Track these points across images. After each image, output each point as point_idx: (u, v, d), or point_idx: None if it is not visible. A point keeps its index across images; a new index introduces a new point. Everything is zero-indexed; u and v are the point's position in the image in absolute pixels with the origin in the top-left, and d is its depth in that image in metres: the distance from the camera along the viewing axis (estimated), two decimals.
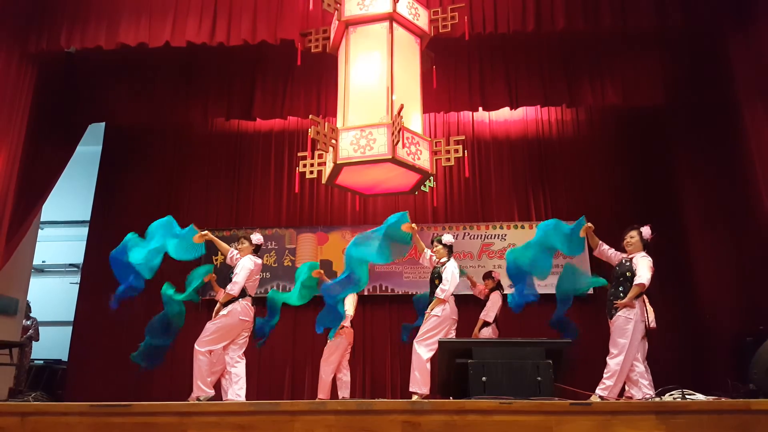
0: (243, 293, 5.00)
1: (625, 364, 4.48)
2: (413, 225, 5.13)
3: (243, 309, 4.97)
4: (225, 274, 7.84)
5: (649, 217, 7.64)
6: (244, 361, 5.04)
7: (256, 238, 5.38)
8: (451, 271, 5.21)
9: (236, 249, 5.31)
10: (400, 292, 7.63)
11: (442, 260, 5.39)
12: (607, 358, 4.55)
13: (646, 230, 4.87)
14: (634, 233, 4.87)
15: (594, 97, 7.00)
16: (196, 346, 4.86)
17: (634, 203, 7.84)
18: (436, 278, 5.30)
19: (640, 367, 4.61)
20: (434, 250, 5.47)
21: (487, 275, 6.59)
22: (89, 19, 6.06)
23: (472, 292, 6.67)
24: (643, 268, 4.60)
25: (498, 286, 6.49)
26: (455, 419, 2.82)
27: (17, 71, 6.07)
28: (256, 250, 5.33)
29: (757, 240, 6.04)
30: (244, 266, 5.03)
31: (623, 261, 4.83)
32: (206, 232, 5.25)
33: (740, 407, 2.91)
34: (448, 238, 5.46)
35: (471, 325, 6.30)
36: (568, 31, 6.12)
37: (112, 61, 7.04)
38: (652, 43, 6.86)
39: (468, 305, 6.57)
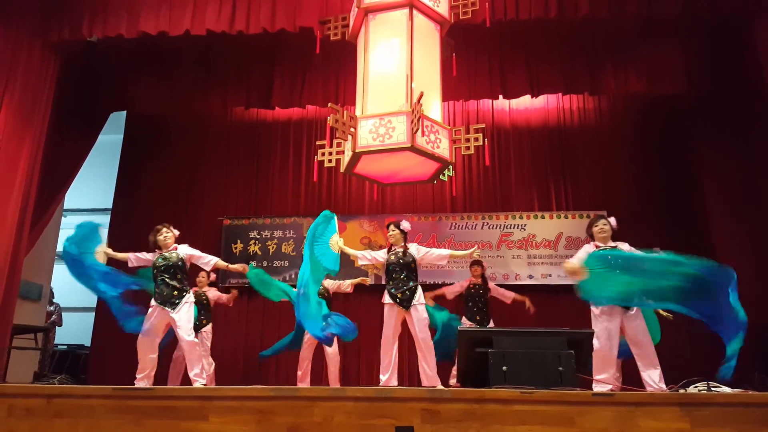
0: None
1: None
2: (339, 242, 5.08)
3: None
4: (244, 262, 7.92)
5: (671, 207, 7.60)
6: None
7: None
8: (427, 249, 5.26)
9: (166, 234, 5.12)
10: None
11: (401, 245, 5.20)
12: (649, 346, 4.38)
13: (613, 220, 4.70)
14: (606, 221, 4.62)
15: (617, 84, 6.89)
16: (191, 339, 4.84)
17: (656, 193, 7.73)
18: (411, 262, 5.11)
19: None
20: (389, 234, 5.28)
21: (477, 262, 6.41)
22: (110, 8, 6.09)
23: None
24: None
25: (483, 278, 6.36)
26: (475, 408, 2.81)
27: (40, 61, 6.13)
28: None
29: None
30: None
31: (611, 247, 4.53)
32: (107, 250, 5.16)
33: (767, 400, 2.85)
34: (406, 224, 5.30)
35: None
36: (590, 17, 6.00)
37: (132, 50, 7.09)
38: (677, 29, 6.70)
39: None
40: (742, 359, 6.26)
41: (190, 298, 4.93)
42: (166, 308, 4.80)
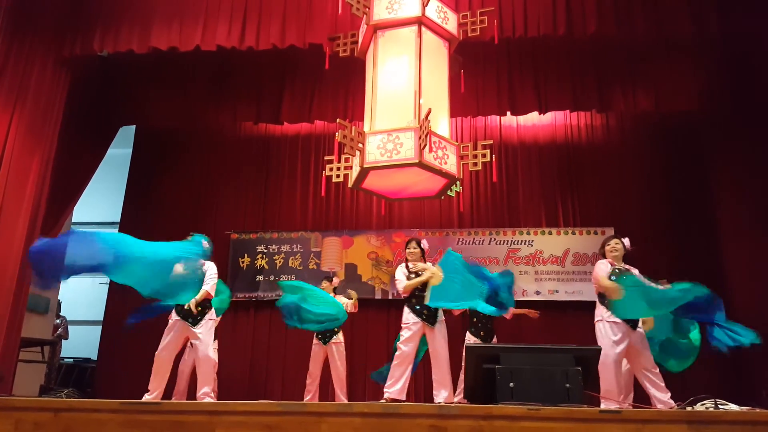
0: None
1: None
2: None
3: None
4: (251, 276, 7.93)
5: (681, 226, 7.56)
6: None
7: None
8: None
9: None
10: None
11: (419, 265, 5.14)
12: (653, 369, 4.42)
13: (627, 241, 4.75)
14: (619, 241, 4.71)
15: (625, 102, 6.89)
16: (211, 357, 4.82)
17: (665, 211, 7.71)
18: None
19: None
20: (411, 250, 5.19)
21: None
22: (122, 23, 6.17)
23: None
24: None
25: None
26: (482, 425, 2.80)
27: (52, 75, 6.21)
28: None
29: None
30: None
31: (625, 269, 4.60)
32: None
33: None
34: (425, 243, 5.30)
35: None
36: (599, 35, 6.03)
37: (143, 65, 7.18)
38: (687, 47, 6.70)
39: None
40: (751, 378, 6.26)
41: (212, 315, 4.89)
42: (188, 323, 4.75)
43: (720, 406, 3.40)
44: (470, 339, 6.10)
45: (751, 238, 6.60)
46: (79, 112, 7.05)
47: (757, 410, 3.29)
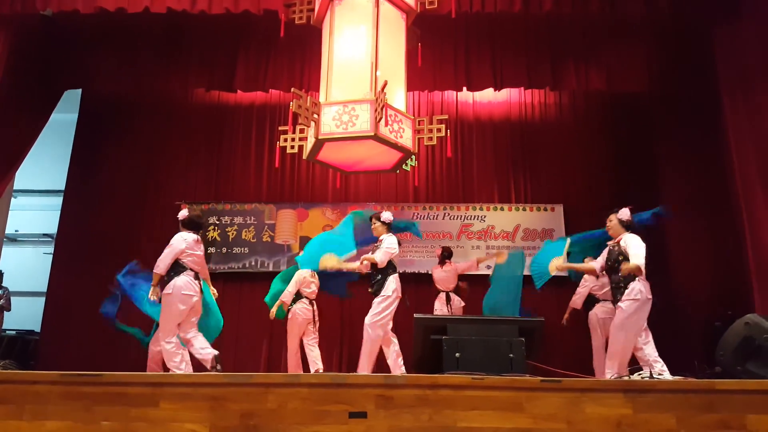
0: (182, 269, 4.64)
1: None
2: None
3: (184, 284, 4.59)
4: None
5: (628, 202, 7.76)
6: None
7: (182, 214, 4.85)
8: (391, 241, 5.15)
9: None
10: None
11: (382, 237, 5.24)
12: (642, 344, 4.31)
13: (623, 212, 4.66)
14: (612, 217, 4.69)
15: (578, 81, 6.99)
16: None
17: (614, 189, 7.90)
18: None
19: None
20: (373, 227, 5.32)
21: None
22: None
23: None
24: (634, 247, 4.35)
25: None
26: (428, 394, 2.85)
27: None
28: (188, 226, 4.81)
29: (731, 229, 6.13)
30: (170, 244, 4.69)
31: (612, 247, 4.60)
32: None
33: (705, 387, 2.98)
34: (387, 215, 5.31)
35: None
36: (554, 14, 6.09)
37: (93, 27, 6.84)
38: (639, 29, 6.85)
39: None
40: (688, 351, 6.57)
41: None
42: None
43: (655, 376, 3.57)
44: None
45: (691, 216, 6.89)
46: (21, 74, 6.66)
47: (689, 380, 3.47)
